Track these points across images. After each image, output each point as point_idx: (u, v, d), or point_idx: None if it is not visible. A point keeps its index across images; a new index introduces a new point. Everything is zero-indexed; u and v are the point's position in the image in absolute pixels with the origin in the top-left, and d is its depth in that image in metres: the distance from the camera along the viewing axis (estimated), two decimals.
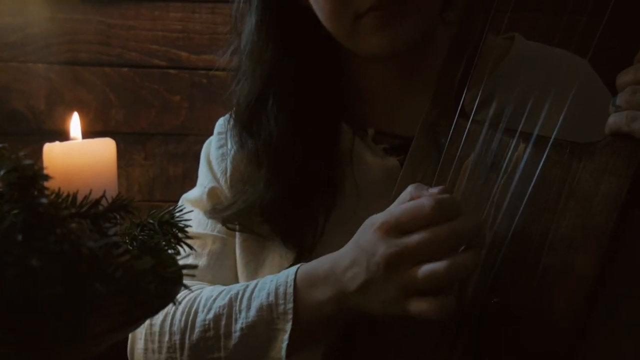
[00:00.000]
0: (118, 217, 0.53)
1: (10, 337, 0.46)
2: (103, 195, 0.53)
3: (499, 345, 0.70)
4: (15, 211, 0.47)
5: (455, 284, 0.69)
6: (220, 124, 1.00)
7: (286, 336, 0.77)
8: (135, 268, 0.49)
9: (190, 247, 0.58)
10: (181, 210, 0.59)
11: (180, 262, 0.55)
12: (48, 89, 1.43)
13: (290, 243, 0.88)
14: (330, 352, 0.79)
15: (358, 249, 0.72)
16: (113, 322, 0.49)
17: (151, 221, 0.58)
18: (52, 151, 0.58)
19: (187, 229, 0.59)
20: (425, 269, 0.67)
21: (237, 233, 0.93)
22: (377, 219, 0.71)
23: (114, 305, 0.48)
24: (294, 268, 0.79)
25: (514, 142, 0.73)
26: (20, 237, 0.46)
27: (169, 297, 0.52)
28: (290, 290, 0.77)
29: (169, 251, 0.57)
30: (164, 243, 0.57)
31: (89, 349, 0.51)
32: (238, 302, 0.80)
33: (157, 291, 0.50)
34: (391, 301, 0.70)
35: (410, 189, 0.71)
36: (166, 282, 0.52)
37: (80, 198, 0.52)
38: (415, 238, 0.67)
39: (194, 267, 0.55)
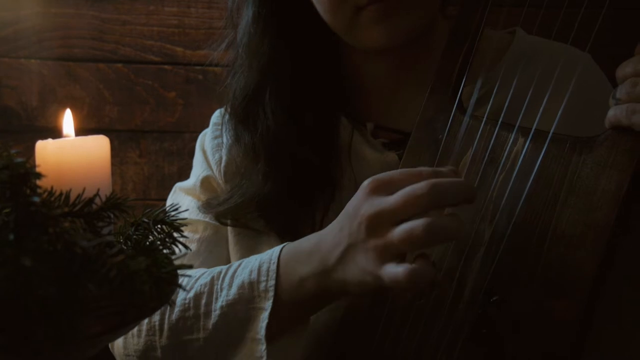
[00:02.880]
0: (112, 216, 0.53)
1: (2, 339, 0.45)
2: (97, 194, 0.52)
3: (499, 344, 0.69)
4: (6, 210, 0.47)
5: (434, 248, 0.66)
6: (217, 115, 1.00)
7: (266, 314, 0.75)
8: (130, 268, 0.49)
9: (186, 247, 0.58)
10: (177, 209, 0.58)
11: (176, 262, 0.55)
12: (40, 85, 1.41)
13: (287, 239, 0.87)
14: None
15: (344, 215, 0.70)
16: (107, 323, 0.49)
17: (146, 220, 0.58)
18: (44, 149, 0.57)
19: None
20: (402, 227, 0.63)
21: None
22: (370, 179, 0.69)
23: (108, 306, 0.48)
24: (280, 246, 0.78)
25: (513, 136, 0.72)
26: (12, 237, 0.46)
27: (164, 297, 0.52)
28: (274, 267, 0.75)
29: (164, 251, 0.56)
30: (158, 242, 0.56)
31: (83, 351, 0.50)
32: (220, 281, 0.79)
33: (151, 292, 0.50)
34: (368, 268, 0.67)
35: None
36: (161, 283, 0.51)
37: (73, 196, 0.51)
38: (393, 196, 0.65)
39: (190, 267, 0.55)
